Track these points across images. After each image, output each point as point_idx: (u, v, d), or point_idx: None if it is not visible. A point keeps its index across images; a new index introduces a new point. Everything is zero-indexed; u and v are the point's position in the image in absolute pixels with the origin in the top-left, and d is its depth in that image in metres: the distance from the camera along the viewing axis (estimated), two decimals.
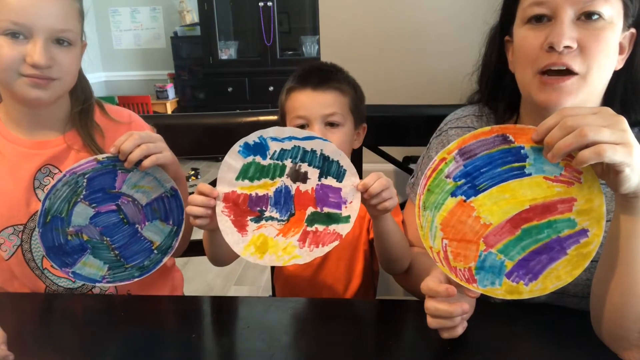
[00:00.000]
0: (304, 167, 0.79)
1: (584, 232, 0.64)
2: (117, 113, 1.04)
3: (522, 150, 0.66)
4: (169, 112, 4.86)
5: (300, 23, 4.67)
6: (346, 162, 0.79)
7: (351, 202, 0.78)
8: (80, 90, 0.99)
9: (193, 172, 4.44)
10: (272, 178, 0.79)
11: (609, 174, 0.61)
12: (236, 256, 0.86)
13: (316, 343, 0.79)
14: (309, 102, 0.96)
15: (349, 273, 1.03)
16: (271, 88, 4.55)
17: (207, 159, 4.88)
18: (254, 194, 0.79)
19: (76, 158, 0.96)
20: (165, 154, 0.85)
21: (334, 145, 0.79)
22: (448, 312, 0.69)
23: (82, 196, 0.82)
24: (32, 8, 0.84)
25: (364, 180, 0.79)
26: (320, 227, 0.78)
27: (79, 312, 0.86)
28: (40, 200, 0.93)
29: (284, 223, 0.79)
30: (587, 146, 0.58)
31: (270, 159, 0.79)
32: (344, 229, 0.78)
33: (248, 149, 0.79)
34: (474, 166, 0.67)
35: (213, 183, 1.26)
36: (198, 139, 1.31)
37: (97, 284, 0.86)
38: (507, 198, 0.67)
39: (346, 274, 1.03)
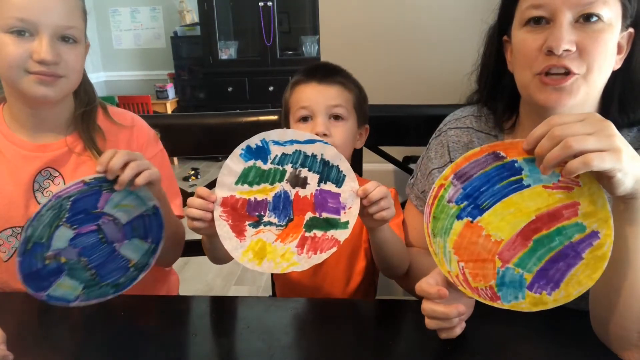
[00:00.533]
0: (304, 172, 0.79)
1: (594, 234, 0.64)
2: (120, 116, 1.03)
3: (515, 164, 0.66)
4: (169, 112, 4.86)
5: (300, 23, 4.67)
6: (346, 167, 0.79)
7: (350, 207, 0.78)
8: (84, 92, 0.99)
9: (193, 172, 4.44)
10: (272, 183, 0.79)
11: (603, 179, 0.61)
12: None
13: (316, 343, 0.79)
14: (314, 94, 0.96)
15: (350, 271, 1.03)
16: (271, 88, 4.56)
17: (207, 159, 4.89)
18: (252, 199, 0.79)
19: (77, 161, 0.96)
20: (154, 170, 0.82)
21: (335, 149, 0.79)
22: (444, 313, 0.69)
23: (64, 219, 0.78)
24: (37, 5, 0.84)
25: (364, 186, 0.79)
26: (319, 233, 0.78)
27: (78, 312, 0.85)
28: (39, 204, 0.93)
29: (282, 228, 0.79)
30: (575, 156, 0.58)
31: (271, 163, 0.79)
32: (342, 235, 0.78)
33: (250, 153, 0.79)
34: (472, 187, 0.68)
35: (213, 183, 1.27)
36: (198, 139, 1.31)
37: (71, 304, 0.82)
38: (513, 212, 0.67)
39: (346, 272, 1.03)
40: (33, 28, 0.84)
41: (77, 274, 0.81)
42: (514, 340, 0.77)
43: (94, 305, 0.84)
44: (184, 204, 1.08)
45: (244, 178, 0.79)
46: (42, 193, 0.94)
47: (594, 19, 0.73)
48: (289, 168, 0.79)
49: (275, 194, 0.79)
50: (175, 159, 4.73)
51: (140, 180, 0.79)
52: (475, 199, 0.68)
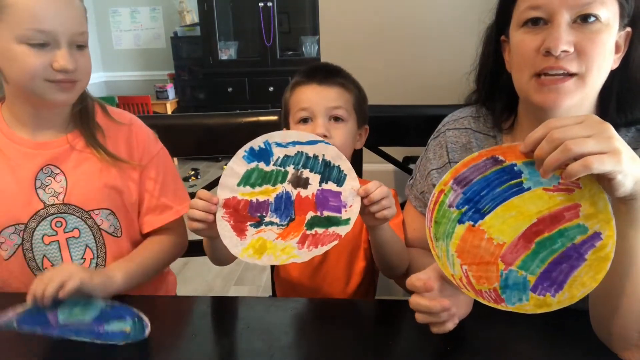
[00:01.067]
0: (306, 173, 0.79)
1: (597, 235, 0.64)
2: (118, 115, 1.04)
3: (515, 167, 0.66)
4: (169, 112, 4.86)
5: (300, 23, 4.67)
6: (347, 167, 0.79)
7: (351, 205, 0.79)
8: None
9: (193, 172, 4.44)
10: (274, 184, 0.80)
11: (603, 181, 0.61)
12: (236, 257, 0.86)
13: (316, 343, 0.79)
14: (314, 95, 0.96)
15: (349, 271, 1.04)
16: (271, 88, 4.56)
17: (207, 159, 4.89)
18: (254, 200, 0.80)
19: (78, 158, 0.97)
20: (82, 279, 0.80)
21: (336, 149, 0.79)
22: (427, 307, 0.70)
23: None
24: (54, 15, 0.85)
25: (365, 186, 0.79)
26: (320, 230, 0.78)
27: None
28: (41, 201, 0.94)
29: (283, 227, 0.79)
30: (575, 158, 0.58)
31: (273, 165, 0.79)
32: (343, 230, 0.78)
33: (253, 155, 0.79)
34: (472, 191, 0.68)
35: (213, 184, 1.27)
36: (198, 139, 1.31)
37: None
38: (514, 215, 0.67)
39: (346, 272, 1.03)
40: (51, 38, 0.85)
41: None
42: (514, 340, 0.77)
43: None
44: None
45: (247, 180, 0.80)
46: (44, 190, 0.94)
47: (592, 19, 0.73)
48: (290, 169, 0.79)
49: (277, 194, 0.79)
50: (175, 159, 4.73)
51: (62, 295, 0.78)
52: (476, 203, 0.68)
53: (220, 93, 4.67)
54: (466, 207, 0.68)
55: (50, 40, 0.85)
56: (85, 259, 0.98)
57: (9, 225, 0.93)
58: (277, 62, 4.55)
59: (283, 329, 0.82)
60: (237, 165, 0.80)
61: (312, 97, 0.96)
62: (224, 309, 0.91)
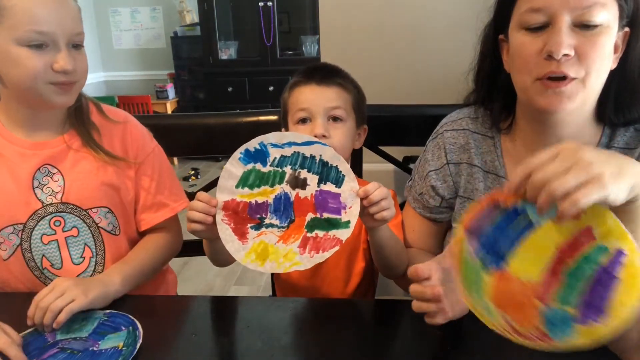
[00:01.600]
0: (304, 173, 0.79)
1: (620, 253, 0.63)
2: (113, 113, 1.05)
3: (517, 208, 0.66)
4: (169, 112, 4.86)
5: (300, 23, 4.67)
6: (345, 168, 0.79)
7: (350, 207, 0.79)
8: None
9: (193, 172, 4.44)
10: (272, 185, 0.80)
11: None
12: None
13: (316, 343, 0.79)
14: (313, 95, 0.96)
15: (349, 271, 1.04)
16: (271, 88, 4.56)
17: (207, 159, 4.89)
18: (253, 202, 0.80)
19: (75, 157, 0.97)
20: (78, 302, 0.81)
21: (333, 150, 0.79)
22: (421, 292, 0.72)
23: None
24: (53, 16, 0.85)
25: (364, 187, 0.79)
26: (320, 233, 0.78)
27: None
28: (39, 200, 0.94)
29: (284, 229, 0.79)
30: (562, 196, 0.57)
31: (270, 165, 0.79)
32: (343, 234, 0.78)
33: (249, 156, 0.80)
34: (487, 239, 0.68)
35: (212, 183, 1.27)
36: (198, 139, 1.31)
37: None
38: (534, 252, 0.66)
39: (346, 272, 1.04)
40: (50, 39, 0.85)
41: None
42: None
43: None
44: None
45: (244, 181, 0.80)
46: (42, 190, 0.94)
47: (593, 23, 0.73)
48: (288, 170, 0.79)
49: (276, 195, 0.80)
50: (175, 159, 4.73)
51: (60, 319, 0.79)
52: (495, 250, 0.68)
53: (220, 93, 4.67)
54: (486, 254, 0.68)
55: (49, 41, 0.85)
56: (84, 257, 0.98)
57: (7, 225, 0.93)
58: (277, 62, 4.55)
59: (283, 329, 0.82)
60: (234, 167, 0.80)
61: (310, 97, 0.96)
62: (224, 309, 0.91)
